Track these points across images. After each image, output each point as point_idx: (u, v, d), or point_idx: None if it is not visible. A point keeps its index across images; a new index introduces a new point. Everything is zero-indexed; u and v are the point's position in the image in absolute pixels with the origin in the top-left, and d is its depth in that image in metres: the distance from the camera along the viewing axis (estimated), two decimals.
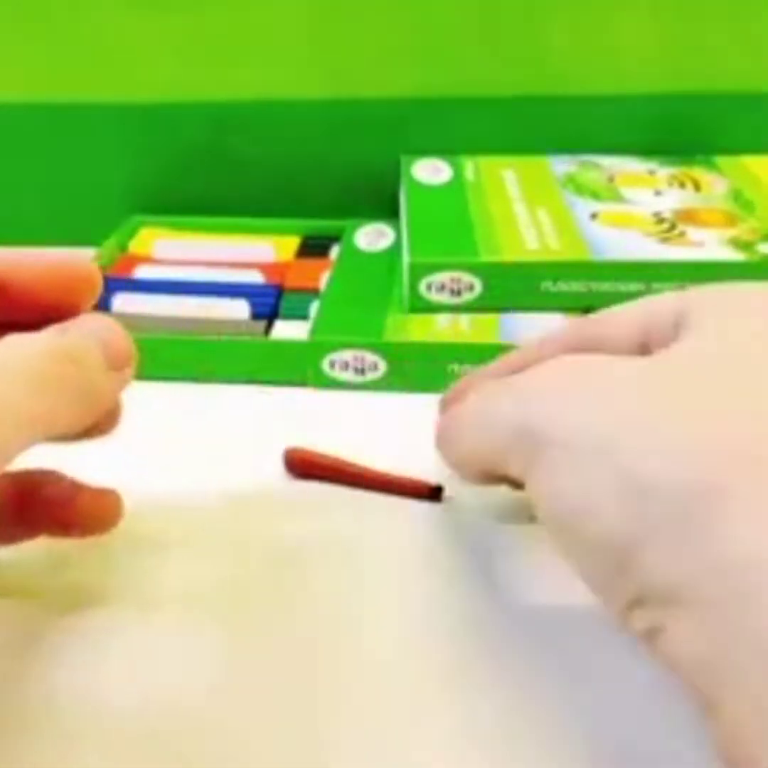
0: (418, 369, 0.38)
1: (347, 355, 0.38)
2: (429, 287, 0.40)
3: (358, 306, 0.41)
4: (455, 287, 0.40)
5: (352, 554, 0.29)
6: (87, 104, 0.50)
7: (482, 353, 0.38)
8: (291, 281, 0.45)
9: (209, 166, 0.51)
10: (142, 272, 0.46)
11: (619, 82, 0.49)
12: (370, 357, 0.38)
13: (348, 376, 0.39)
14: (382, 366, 0.38)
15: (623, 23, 0.48)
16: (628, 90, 0.49)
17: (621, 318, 0.26)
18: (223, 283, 0.44)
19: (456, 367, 0.38)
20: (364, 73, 0.49)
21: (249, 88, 0.50)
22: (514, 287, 0.40)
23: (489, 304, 0.40)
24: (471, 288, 0.40)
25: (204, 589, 0.28)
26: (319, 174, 0.51)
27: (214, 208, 0.51)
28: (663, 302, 0.25)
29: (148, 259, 0.47)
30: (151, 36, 0.48)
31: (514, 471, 0.23)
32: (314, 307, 0.42)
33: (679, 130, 0.51)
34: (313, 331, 0.39)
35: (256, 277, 0.45)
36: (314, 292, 0.43)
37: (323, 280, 0.44)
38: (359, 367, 0.38)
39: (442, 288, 0.40)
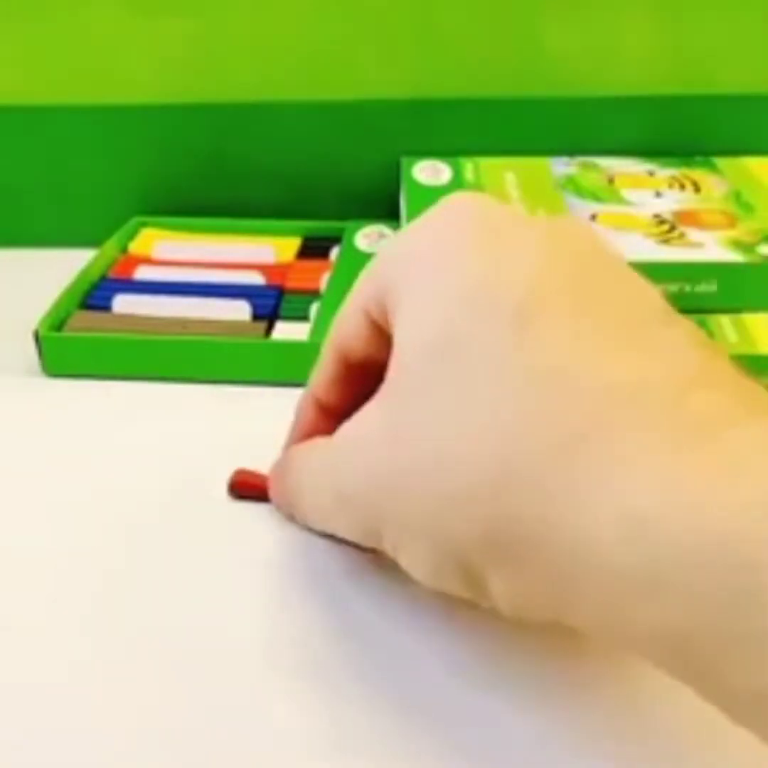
0: None
1: None
2: None
3: None
4: None
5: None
6: (88, 107, 0.50)
7: None
8: (291, 282, 0.45)
9: (210, 168, 0.51)
10: (143, 273, 0.46)
11: (619, 83, 0.49)
12: None
13: None
14: None
15: (623, 25, 0.48)
16: (628, 91, 0.49)
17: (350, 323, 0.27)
18: (223, 284, 0.44)
19: None
20: (365, 75, 0.49)
21: (250, 91, 0.50)
22: None
23: None
24: None
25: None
26: (319, 175, 0.51)
27: (215, 209, 0.51)
28: (373, 287, 0.26)
29: (148, 261, 0.47)
30: (152, 39, 0.49)
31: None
32: (315, 308, 0.42)
33: (679, 132, 0.51)
34: (314, 332, 0.39)
35: (256, 279, 0.45)
36: (315, 294, 0.43)
37: (324, 282, 0.44)
38: None
39: None
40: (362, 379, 0.27)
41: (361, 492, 0.23)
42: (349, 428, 0.24)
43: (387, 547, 0.23)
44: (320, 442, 0.27)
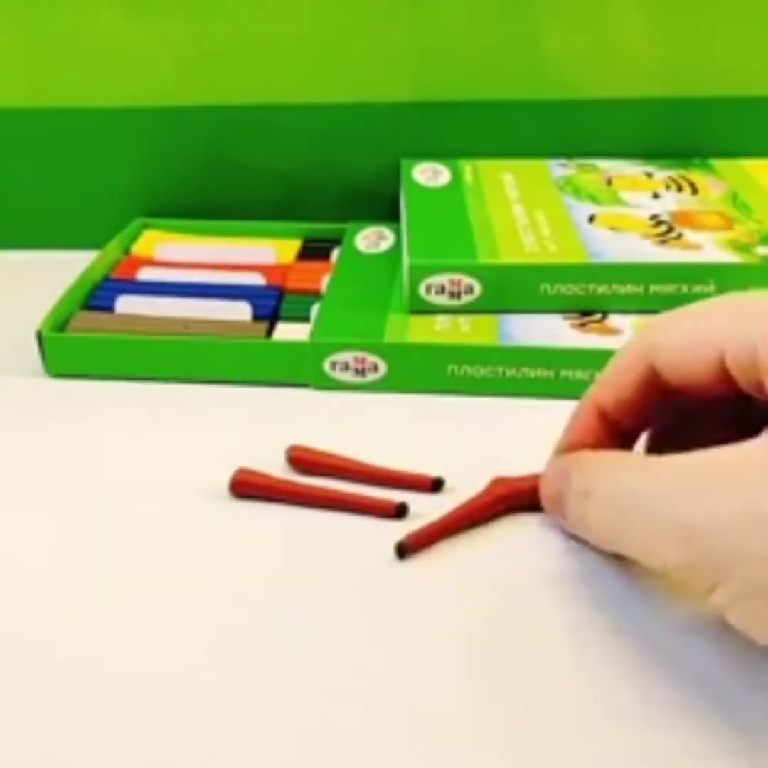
0: (418, 370, 0.39)
1: (348, 356, 0.39)
2: (429, 289, 0.41)
3: (359, 308, 0.42)
4: (455, 289, 0.40)
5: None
6: (90, 109, 0.50)
7: (481, 354, 0.38)
8: (292, 283, 0.45)
9: (211, 170, 0.52)
10: (145, 274, 0.46)
11: (617, 85, 0.50)
12: (370, 358, 0.39)
13: (348, 377, 0.39)
14: (383, 367, 0.39)
15: (621, 27, 0.48)
16: (626, 93, 0.50)
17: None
18: (224, 285, 0.45)
19: (455, 368, 0.38)
20: (365, 78, 0.49)
21: (251, 93, 0.50)
22: (513, 289, 0.40)
23: (488, 306, 0.41)
24: (470, 290, 0.40)
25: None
26: (320, 177, 0.52)
27: (216, 211, 0.51)
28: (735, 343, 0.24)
29: (150, 262, 0.48)
30: (154, 41, 0.49)
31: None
32: (315, 309, 0.42)
33: (677, 133, 0.51)
34: (314, 333, 0.40)
35: (257, 280, 0.45)
36: (315, 294, 0.44)
37: (324, 282, 0.44)
38: (360, 368, 0.39)
39: (441, 290, 0.41)
40: (665, 402, 0.27)
41: (716, 530, 0.20)
42: (711, 457, 0.22)
43: (722, 594, 0.21)
44: (634, 458, 0.26)
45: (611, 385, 0.28)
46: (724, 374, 0.24)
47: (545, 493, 0.30)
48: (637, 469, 0.25)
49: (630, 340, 0.28)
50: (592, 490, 0.26)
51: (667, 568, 0.22)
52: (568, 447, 0.29)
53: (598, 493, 0.26)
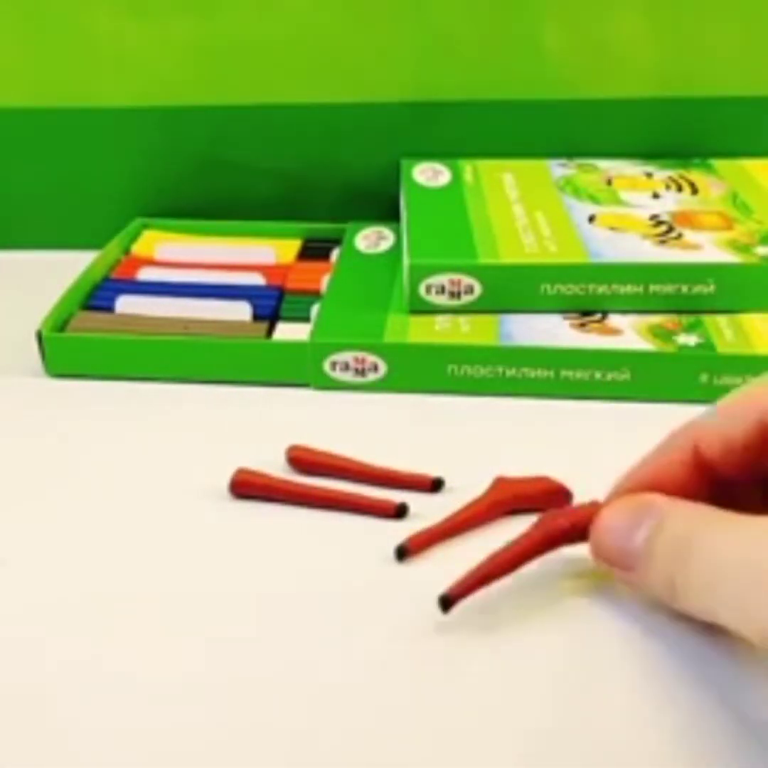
0: (418, 370, 0.39)
1: (348, 356, 0.39)
2: (429, 289, 0.41)
3: (359, 308, 0.42)
4: (455, 289, 0.40)
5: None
6: (91, 108, 0.50)
7: (481, 355, 0.38)
8: (292, 283, 0.45)
9: (211, 170, 0.52)
10: (145, 274, 0.46)
11: (616, 85, 0.50)
12: (370, 358, 0.39)
13: (349, 377, 0.39)
14: (383, 367, 0.39)
15: (621, 27, 0.48)
16: (625, 93, 0.50)
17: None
18: (225, 285, 0.45)
19: (455, 368, 0.38)
20: (365, 78, 0.49)
21: (251, 93, 0.50)
22: (513, 289, 0.40)
23: (488, 306, 0.41)
24: (470, 290, 0.40)
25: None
26: (319, 177, 0.52)
27: (216, 211, 0.51)
28: None
29: (150, 262, 0.48)
30: (154, 41, 0.49)
31: None
32: (315, 309, 0.42)
33: (677, 133, 0.51)
34: (314, 333, 0.40)
35: (257, 280, 0.45)
36: (315, 294, 0.44)
37: (324, 282, 0.44)
38: (360, 368, 0.39)
39: (441, 290, 0.41)
40: None
41: None
42: None
43: None
44: (747, 517, 0.22)
45: (719, 427, 0.25)
46: None
47: (608, 541, 0.25)
48: (754, 528, 0.21)
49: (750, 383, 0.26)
50: (695, 547, 0.22)
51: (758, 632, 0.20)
52: (646, 485, 0.25)
53: (703, 551, 0.22)
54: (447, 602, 0.26)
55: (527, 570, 0.27)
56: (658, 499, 0.24)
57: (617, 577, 0.26)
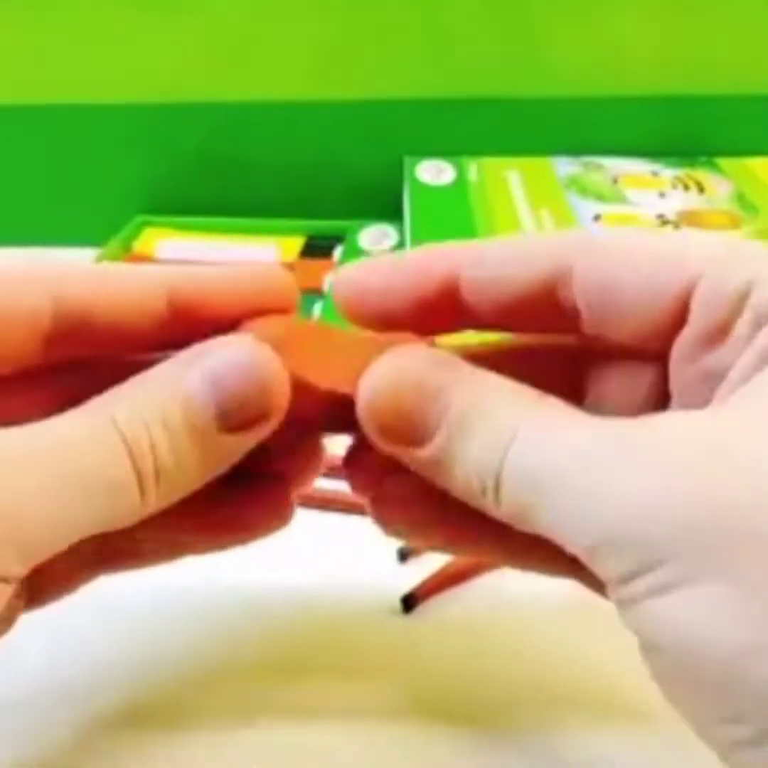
0: None
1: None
2: None
3: None
4: None
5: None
6: (92, 105, 0.50)
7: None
8: (295, 281, 0.45)
9: (213, 167, 0.52)
10: None
11: (623, 83, 0.49)
12: None
13: None
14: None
15: (627, 25, 0.48)
16: (632, 92, 0.49)
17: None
18: None
19: None
20: (368, 75, 0.49)
21: (253, 90, 0.50)
22: None
23: None
24: None
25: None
26: (322, 175, 0.51)
27: (218, 208, 0.51)
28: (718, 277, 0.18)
29: (152, 260, 0.47)
30: (156, 38, 0.49)
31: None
32: (318, 308, 0.42)
33: (683, 132, 0.51)
34: None
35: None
36: (318, 293, 0.44)
37: (327, 281, 0.44)
38: None
39: None
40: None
41: (694, 515, 0.15)
42: (683, 426, 0.16)
43: (662, 576, 0.15)
44: (569, 408, 0.18)
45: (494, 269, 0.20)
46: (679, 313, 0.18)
47: (389, 400, 0.18)
48: (595, 423, 0.17)
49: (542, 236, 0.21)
50: (520, 434, 0.17)
51: (588, 548, 0.16)
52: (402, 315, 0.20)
53: (529, 439, 0.17)
54: (409, 602, 0.26)
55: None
56: (453, 355, 0.19)
57: (387, 449, 0.19)
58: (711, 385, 0.18)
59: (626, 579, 0.16)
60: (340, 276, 0.21)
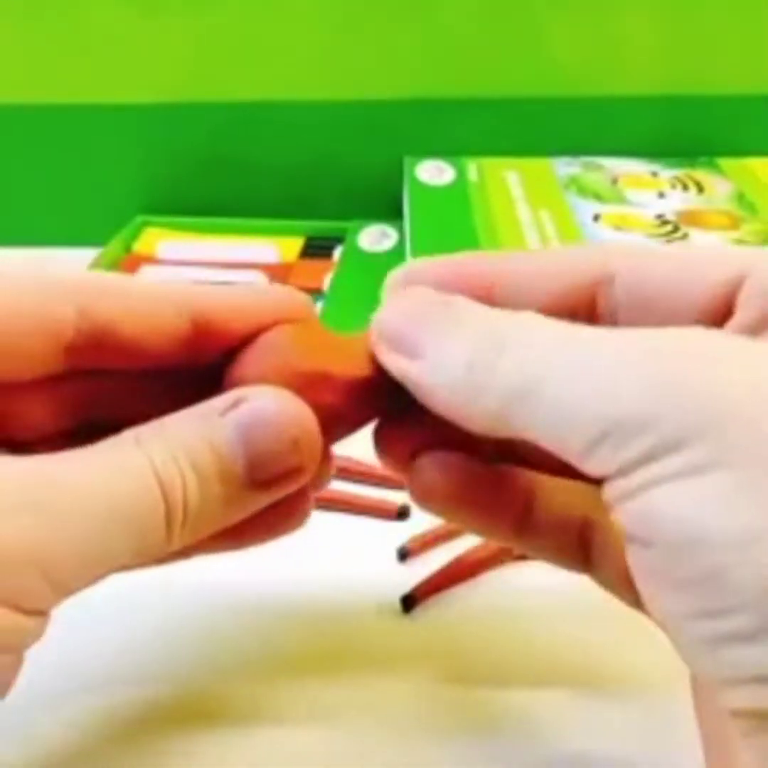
0: None
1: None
2: None
3: (362, 307, 0.41)
4: None
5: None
6: (92, 105, 0.50)
7: None
8: (294, 282, 0.45)
9: (213, 168, 0.51)
10: (147, 273, 0.46)
11: (622, 83, 0.49)
12: None
13: None
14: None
15: (627, 25, 0.48)
16: (631, 92, 0.49)
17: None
18: (227, 283, 0.44)
19: None
20: (368, 75, 0.49)
21: (253, 90, 0.50)
22: None
23: None
24: None
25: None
26: (322, 175, 0.51)
27: (218, 209, 0.51)
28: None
29: (152, 260, 0.47)
30: (156, 38, 0.49)
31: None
32: (318, 308, 0.42)
33: (683, 133, 0.51)
34: None
35: (259, 278, 0.45)
36: (318, 293, 0.44)
37: (326, 281, 0.44)
38: None
39: None
40: None
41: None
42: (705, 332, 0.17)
43: (670, 465, 0.15)
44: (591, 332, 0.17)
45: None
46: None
47: (395, 317, 0.20)
48: (584, 328, 0.17)
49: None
50: (509, 341, 0.17)
51: (588, 441, 0.16)
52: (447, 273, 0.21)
53: (521, 345, 0.17)
54: (409, 602, 0.27)
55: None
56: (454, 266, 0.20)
57: (391, 363, 0.19)
58: None
59: (627, 469, 0.16)
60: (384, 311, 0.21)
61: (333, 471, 0.23)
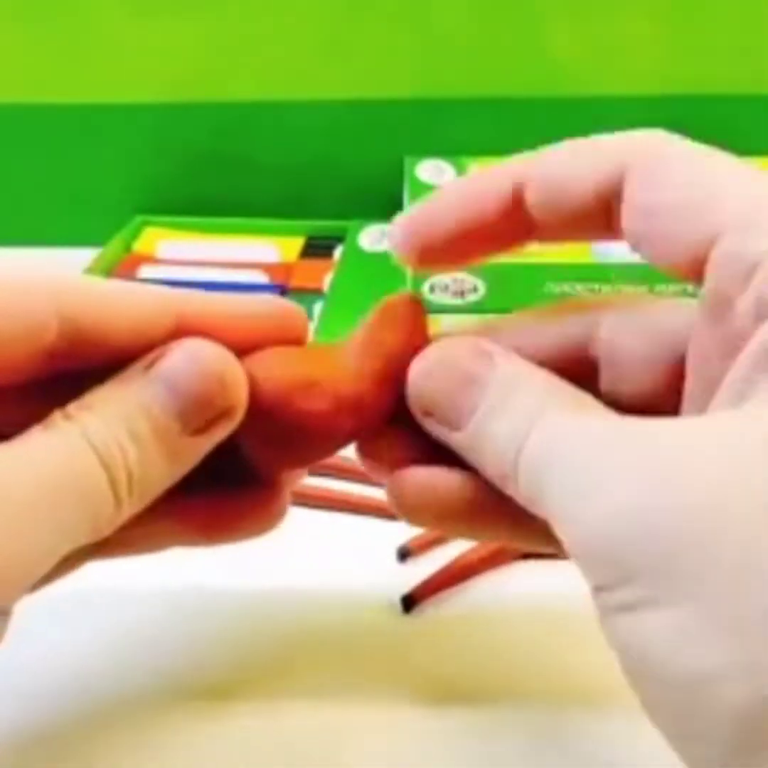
0: None
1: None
2: (432, 288, 0.40)
3: (362, 307, 0.41)
4: (459, 288, 0.40)
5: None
6: (92, 105, 0.50)
7: None
8: (295, 282, 0.45)
9: (213, 167, 0.52)
10: (146, 273, 0.46)
11: (623, 83, 0.49)
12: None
13: None
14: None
15: (627, 24, 0.48)
16: (632, 91, 0.49)
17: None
18: (227, 283, 0.44)
19: None
20: (368, 75, 0.49)
21: (253, 90, 0.50)
22: (517, 289, 0.40)
23: (492, 305, 0.40)
24: (474, 289, 0.40)
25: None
26: (322, 175, 0.51)
27: (218, 208, 0.51)
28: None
29: (152, 260, 0.47)
30: (156, 38, 0.49)
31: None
32: (318, 308, 0.42)
33: (684, 132, 0.50)
34: (318, 332, 0.39)
35: (260, 278, 0.45)
36: (318, 293, 0.44)
37: (327, 281, 0.44)
38: None
39: (445, 289, 0.40)
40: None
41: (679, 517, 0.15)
42: (676, 441, 0.16)
43: (629, 594, 0.15)
44: (606, 413, 0.18)
45: (558, 166, 0.20)
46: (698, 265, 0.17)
47: (435, 384, 0.20)
48: (589, 425, 0.17)
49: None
50: (540, 421, 0.17)
51: (573, 551, 0.16)
52: (453, 229, 0.20)
53: (547, 424, 0.17)
54: (409, 602, 0.27)
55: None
56: (482, 341, 0.20)
57: (432, 431, 0.20)
58: (725, 361, 0.17)
59: (599, 589, 0.16)
60: (403, 216, 0.21)
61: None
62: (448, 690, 0.24)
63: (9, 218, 0.53)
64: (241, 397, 0.19)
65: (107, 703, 0.24)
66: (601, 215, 0.19)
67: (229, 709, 0.24)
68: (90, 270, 0.45)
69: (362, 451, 0.21)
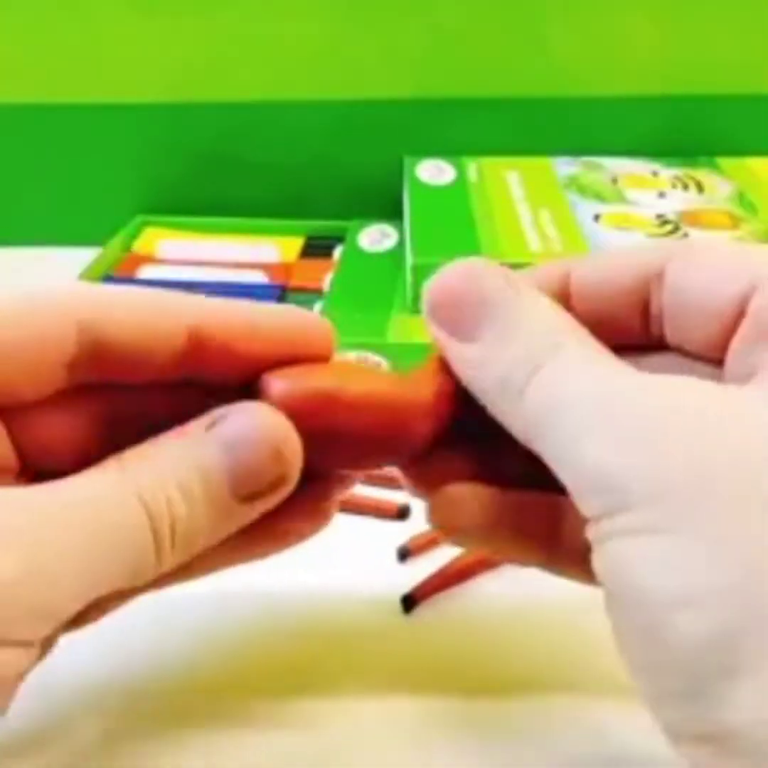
0: None
1: (351, 355, 0.38)
2: None
3: (362, 307, 0.41)
4: None
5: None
6: (92, 105, 0.50)
7: None
8: (295, 281, 0.45)
9: (213, 167, 0.51)
10: (147, 273, 0.46)
11: (622, 83, 0.49)
12: (373, 357, 0.38)
13: None
14: (386, 366, 0.38)
15: (627, 25, 0.48)
16: (631, 91, 0.49)
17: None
18: (226, 283, 0.44)
19: None
20: (368, 74, 0.49)
21: (254, 90, 0.50)
22: None
23: None
24: None
25: None
26: (322, 175, 0.51)
27: (218, 208, 0.51)
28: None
29: (152, 260, 0.47)
30: (157, 38, 0.49)
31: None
32: (318, 308, 0.42)
33: (683, 132, 0.51)
34: None
35: (259, 278, 0.45)
36: (318, 293, 0.44)
37: (327, 281, 0.44)
38: None
39: None
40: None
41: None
42: (687, 394, 0.17)
43: (630, 520, 0.16)
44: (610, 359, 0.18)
45: (595, 265, 0.21)
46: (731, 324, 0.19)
47: (451, 296, 0.20)
48: (600, 370, 0.18)
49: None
50: (547, 366, 0.18)
51: (575, 484, 0.17)
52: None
53: (556, 370, 0.18)
54: (409, 602, 0.27)
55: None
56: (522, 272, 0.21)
57: (442, 343, 0.20)
58: None
59: (598, 518, 0.17)
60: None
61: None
62: (448, 690, 0.24)
63: (9, 218, 0.53)
64: (294, 471, 0.19)
65: (114, 703, 0.24)
66: (637, 307, 0.20)
67: (228, 709, 0.24)
68: (90, 269, 0.45)
69: (411, 468, 0.22)
